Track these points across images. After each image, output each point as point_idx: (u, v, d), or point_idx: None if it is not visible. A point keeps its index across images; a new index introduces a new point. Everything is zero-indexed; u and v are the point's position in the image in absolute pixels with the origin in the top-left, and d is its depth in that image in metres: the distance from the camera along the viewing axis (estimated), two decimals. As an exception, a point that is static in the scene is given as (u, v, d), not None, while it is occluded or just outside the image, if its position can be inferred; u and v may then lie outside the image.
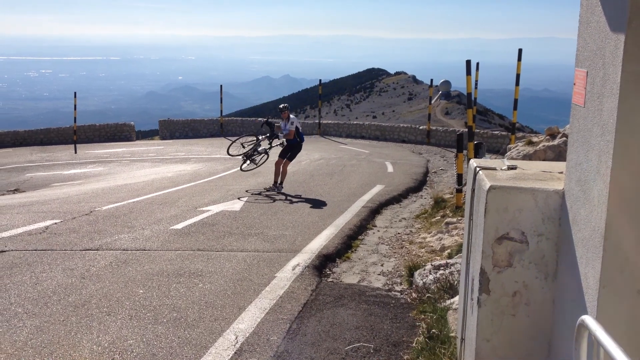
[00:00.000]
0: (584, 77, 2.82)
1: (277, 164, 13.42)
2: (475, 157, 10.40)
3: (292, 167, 17.74)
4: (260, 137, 14.39)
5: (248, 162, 14.63)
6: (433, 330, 4.67)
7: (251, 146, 14.55)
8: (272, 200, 12.04)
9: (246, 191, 12.95)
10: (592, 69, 2.72)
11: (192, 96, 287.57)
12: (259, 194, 12.73)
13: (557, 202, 3.14)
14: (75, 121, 28.04)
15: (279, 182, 13.32)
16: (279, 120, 14.47)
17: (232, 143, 14.88)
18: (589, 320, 1.92)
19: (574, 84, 2.99)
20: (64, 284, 6.24)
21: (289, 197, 12.44)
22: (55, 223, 9.43)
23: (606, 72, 2.52)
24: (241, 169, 15.10)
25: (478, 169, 3.69)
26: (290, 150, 13.49)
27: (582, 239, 2.75)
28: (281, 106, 13.46)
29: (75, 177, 19.26)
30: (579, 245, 2.80)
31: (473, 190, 3.76)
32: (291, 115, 13.39)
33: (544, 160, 9.41)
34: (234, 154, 14.69)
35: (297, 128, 13.31)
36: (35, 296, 5.82)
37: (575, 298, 2.83)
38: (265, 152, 14.58)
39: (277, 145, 13.87)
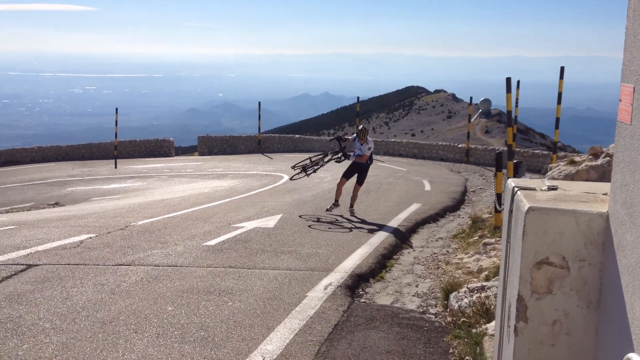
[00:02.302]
0: (631, 93, 2.64)
1: (340, 185, 12.79)
2: (514, 176, 10.14)
3: (329, 184, 17.65)
4: (329, 154, 13.47)
5: (299, 172, 13.83)
6: (467, 358, 4.46)
7: (316, 160, 13.61)
8: (307, 218, 11.92)
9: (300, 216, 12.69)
10: (640, 84, 2.54)
11: (232, 113, 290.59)
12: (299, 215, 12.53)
13: (601, 226, 2.94)
14: (116, 137, 28.50)
15: (349, 205, 12.76)
16: (348, 135, 13.68)
17: (300, 162, 13.87)
18: (636, 358, 1.73)
19: (620, 101, 2.80)
20: (94, 299, 6.20)
21: (325, 215, 12.30)
22: (90, 237, 9.46)
23: (655, 87, 2.35)
24: (291, 178, 14.88)
25: (516, 189, 3.51)
26: (359, 172, 12.81)
27: (628, 266, 2.55)
28: (360, 128, 12.64)
29: (115, 191, 19.50)
30: (624, 273, 2.61)
31: (511, 212, 3.57)
32: (369, 138, 12.64)
33: (586, 180, 9.10)
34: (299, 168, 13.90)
35: (370, 151, 12.66)
36: (64, 311, 5.78)
37: (620, 330, 2.62)
38: (320, 165, 13.62)
39: (334, 159, 13.26)
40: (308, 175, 13.87)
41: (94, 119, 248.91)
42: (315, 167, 13.65)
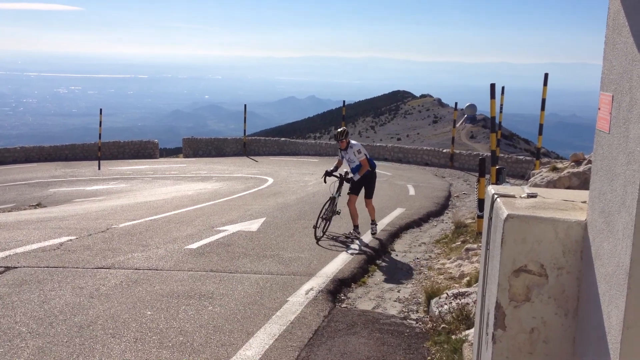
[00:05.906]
0: (609, 102, 2.64)
1: (350, 203, 10.63)
2: (496, 182, 10.17)
3: (313, 187, 17.62)
4: (334, 195, 10.84)
5: (323, 224, 10.61)
6: (445, 366, 4.45)
7: (328, 207, 10.76)
8: (290, 222, 11.86)
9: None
10: (618, 93, 2.53)
11: (218, 115, 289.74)
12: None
13: (579, 234, 2.94)
14: (100, 137, 28.27)
15: (356, 224, 10.77)
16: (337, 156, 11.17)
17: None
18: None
19: (599, 109, 2.80)
20: (72, 303, 6.12)
21: (308, 219, 12.25)
22: (71, 240, 9.36)
23: (633, 96, 2.34)
24: (316, 237, 10.26)
25: (496, 196, 3.50)
26: (365, 183, 10.68)
27: (605, 274, 2.54)
28: (338, 131, 10.61)
29: (98, 193, 19.32)
30: (601, 281, 2.60)
31: (490, 219, 3.56)
32: (352, 141, 10.60)
33: (568, 187, 9.15)
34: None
35: (365, 155, 10.52)
36: (42, 315, 5.70)
37: (597, 338, 2.62)
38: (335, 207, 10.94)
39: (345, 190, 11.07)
40: (329, 221, 10.76)
41: (78, 119, 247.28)
42: (334, 209, 10.85)
